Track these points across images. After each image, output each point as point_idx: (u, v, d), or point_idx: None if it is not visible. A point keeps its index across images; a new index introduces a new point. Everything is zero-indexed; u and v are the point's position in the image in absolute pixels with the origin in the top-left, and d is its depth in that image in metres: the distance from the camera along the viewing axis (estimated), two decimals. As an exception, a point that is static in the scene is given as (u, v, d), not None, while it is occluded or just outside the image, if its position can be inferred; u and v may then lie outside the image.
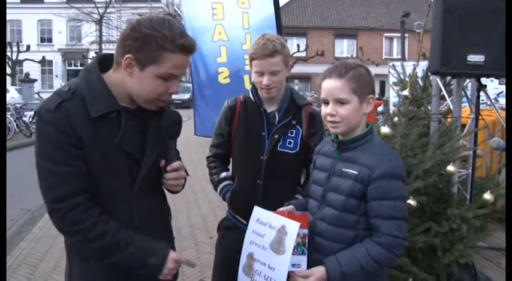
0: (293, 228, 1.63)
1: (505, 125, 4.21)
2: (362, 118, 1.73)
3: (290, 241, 1.62)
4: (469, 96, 3.81)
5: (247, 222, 1.90)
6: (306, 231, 1.69)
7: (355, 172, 1.67)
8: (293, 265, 1.64)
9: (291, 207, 1.85)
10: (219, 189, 2.43)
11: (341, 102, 1.69)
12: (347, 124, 1.70)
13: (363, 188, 1.66)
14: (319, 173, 1.83)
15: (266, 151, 2.26)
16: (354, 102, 1.69)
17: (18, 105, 16.67)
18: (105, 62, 1.61)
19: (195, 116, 4.44)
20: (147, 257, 1.56)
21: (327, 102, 1.73)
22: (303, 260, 1.67)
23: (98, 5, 30.70)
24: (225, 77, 4.02)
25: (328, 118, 1.72)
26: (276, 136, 2.26)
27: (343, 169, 1.71)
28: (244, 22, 4.00)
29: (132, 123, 1.59)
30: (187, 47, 1.52)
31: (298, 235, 1.63)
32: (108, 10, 31.34)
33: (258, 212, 1.80)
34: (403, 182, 1.69)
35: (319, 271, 1.65)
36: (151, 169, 1.64)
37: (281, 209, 1.81)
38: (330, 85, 1.71)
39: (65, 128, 1.47)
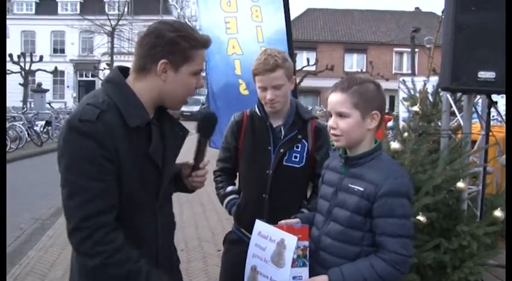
0: (292, 241, 1.66)
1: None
2: (366, 134, 1.74)
3: (289, 254, 1.65)
4: (480, 113, 3.80)
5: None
6: (306, 243, 1.72)
7: (361, 189, 1.68)
8: (294, 278, 1.67)
9: (296, 220, 1.86)
10: (225, 203, 2.45)
11: (342, 115, 1.72)
12: (347, 138, 1.73)
13: (369, 205, 1.67)
14: (326, 188, 1.84)
15: (272, 165, 2.28)
16: (355, 116, 1.71)
17: (29, 115, 16.87)
18: (124, 72, 1.65)
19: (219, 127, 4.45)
20: None
21: (331, 115, 1.77)
22: (305, 272, 1.70)
23: (110, 17, 31.10)
24: (245, 89, 4.02)
25: (331, 131, 1.77)
26: (281, 150, 2.27)
27: (350, 185, 1.72)
28: (259, 36, 4.01)
29: (158, 134, 1.63)
30: (208, 41, 1.64)
31: (298, 247, 1.67)
32: (120, 22, 31.74)
33: (259, 225, 1.84)
34: (408, 200, 1.70)
35: (322, 279, 1.67)
36: (168, 178, 1.70)
37: (284, 221, 1.83)
38: (333, 99, 1.75)
39: (105, 140, 1.45)
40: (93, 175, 1.44)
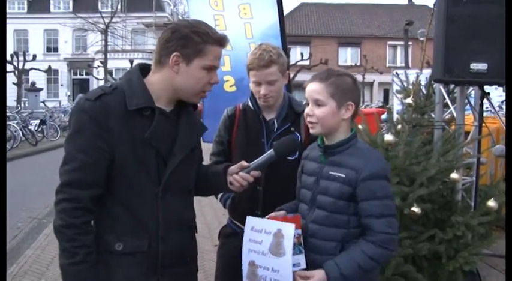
0: (289, 229, 1.70)
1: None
2: (340, 123, 1.82)
3: (288, 242, 1.69)
4: (473, 104, 3.82)
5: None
6: (299, 231, 1.77)
7: (343, 175, 1.76)
8: (293, 265, 1.70)
9: (282, 212, 1.91)
10: (219, 196, 2.47)
11: (318, 103, 1.80)
12: (322, 125, 1.80)
13: (351, 190, 1.75)
14: (307, 178, 1.91)
15: None
16: (330, 105, 1.79)
17: (24, 114, 16.80)
18: (146, 69, 1.76)
19: (204, 123, 4.47)
20: None
21: (307, 104, 1.86)
22: (302, 258, 1.75)
23: (103, 15, 30.92)
24: (231, 85, 4.06)
25: (307, 118, 1.84)
26: (275, 143, 2.29)
27: (331, 172, 1.80)
28: (247, 32, 4.06)
29: (165, 123, 1.70)
30: (223, 39, 1.71)
31: (293, 235, 1.70)
32: (113, 20, 31.53)
33: (251, 221, 1.85)
34: (388, 181, 1.79)
35: (319, 273, 1.72)
36: (179, 170, 1.72)
37: (274, 214, 1.88)
38: (311, 88, 1.83)
39: (98, 117, 1.58)
40: (81, 147, 1.59)
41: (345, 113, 1.81)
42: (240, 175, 1.82)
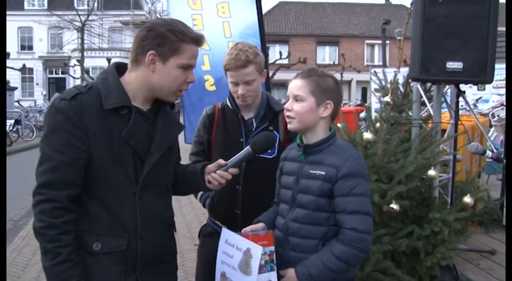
0: (257, 251, 1.72)
1: (483, 131, 4.31)
2: (319, 121, 1.84)
3: (255, 263, 1.71)
4: (449, 102, 3.89)
5: (227, 227, 1.94)
6: (272, 248, 1.78)
7: (323, 173, 1.77)
8: None
9: (261, 226, 1.91)
10: (199, 196, 2.46)
11: (297, 99, 1.83)
12: (300, 121, 1.82)
13: (331, 187, 1.76)
14: (287, 178, 1.92)
15: None
16: (309, 101, 1.81)
17: (-2, 114, 16.42)
18: (122, 68, 1.75)
19: (185, 124, 4.45)
20: None
21: (288, 99, 1.87)
22: (273, 275, 1.76)
23: (79, 13, 30.42)
24: (211, 85, 4.06)
25: (286, 113, 1.86)
26: (251, 139, 2.29)
27: (311, 171, 1.81)
28: (226, 31, 4.07)
29: (142, 122, 1.70)
30: (200, 38, 1.71)
31: (264, 253, 1.73)
32: (90, 18, 31.04)
33: (225, 233, 1.88)
34: (365, 179, 1.80)
35: (291, 272, 1.76)
36: (156, 168, 1.71)
37: (250, 228, 1.89)
38: (293, 84, 1.87)
39: (73, 116, 1.58)
40: (57, 147, 1.58)
41: (324, 112, 1.83)
42: (217, 173, 1.82)
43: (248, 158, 1.87)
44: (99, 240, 1.63)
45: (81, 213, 1.64)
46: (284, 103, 2.07)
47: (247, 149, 1.86)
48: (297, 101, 1.82)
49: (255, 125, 2.32)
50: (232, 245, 1.81)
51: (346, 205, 1.73)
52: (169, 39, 1.64)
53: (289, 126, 1.87)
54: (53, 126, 1.60)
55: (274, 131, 2.33)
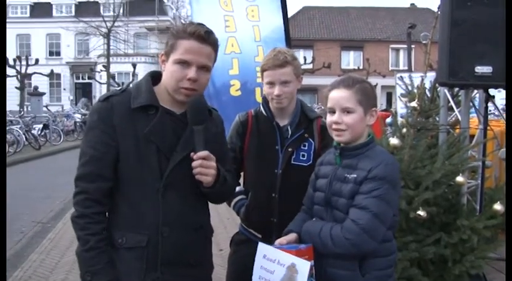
0: (304, 267, 1.68)
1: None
2: (365, 129, 1.84)
3: (302, 278, 1.67)
4: (477, 107, 3.81)
5: (262, 235, 1.93)
6: (312, 262, 1.75)
7: (355, 176, 1.77)
8: None
9: (294, 237, 1.88)
10: (232, 204, 2.43)
11: (347, 111, 1.80)
12: (351, 133, 1.81)
13: (359, 188, 1.75)
14: (321, 181, 1.92)
15: (280, 164, 2.29)
16: (359, 112, 1.80)
17: (27, 118, 16.83)
18: (155, 77, 1.84)
19: None
20: (86, 273, 1.68)
21: (333, 112, 1.84)
22: None
23: (105, 19, 31.01)
24: (237, 90, 3.98)
25: (334, 126, 1.83)
26: (289, 149, 2.29)
27: (345, 175, 1.80)
28: (256, 35, 4.00)
29: (170, 122, 1.76)
30: (196, 33, 1.71)
31: (308, 273, 1.68)
32: (115, 24, 31.62)
33: (263, 248, 1.84)
34: (391, 186, 1.75)
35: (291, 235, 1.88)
36: (181, 168, 1.73)
37: (283, 240, 1.85)
38: (338, 95, 1.82)
39: (104, 115, 1.71)
40: (90, 144, 1.72)
41: (370, 119, 1.84)
42: (193, 164, 1.71)
43: (200, 133, 1.72)
44: (124, 235, 1.70)
45: (111, 208, 1.74)
46: (319, 110, 2.05)
47: (193, 129, 1.73)
48: (347, 113, 1.80)
49: (290, 132, 2.31)
50: (273, 260, 1.77)
51: (361, 200, 1.72)
52: (169, 38, 1.76)
53: (338, 138, 1.84)
54: (89, 125, 1.76)
55: (310, 139, 2.32)
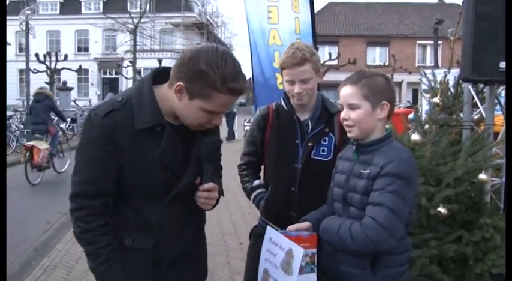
0: (298, 252, 1.74)
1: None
2: (377, 123, 1.82)
3: (296, 264, 1.73)
4: (503, 104, 3.74)
5: (281, 229, 1.96)
6: (314, 250, 1.80)
7: (368, 171, 1.77)
8: None
9: (306, 225, 1.91)
10: (252, 197, 2.46)
11: (352, 107, 1.81)
12: (359, 128, 1.81)
13: (372, 184, 1.75)
14: (339, 176, 1.92)
15: (300, 158, 2.30)
16: (365, 107, 1.79)
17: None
18: (161, 74, 1.70)
19: None
20: None
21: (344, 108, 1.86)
22: (312, 277, 1.79)
23: (132, 15, 31.41)
24: (280, 83, 3.84)
25: (343, 122, 1.85)
26: (309, 144, 2.29)
27: (361, 171, 1.80)
28: (296, 27, 3.94)
29: (176, 137, 1.68)
30: (236, 90, 1.58)
31: (306, 255, 1.75)
32: (142, 20, 32.02)
33: (270, 232, 1.92)
34: (405, 182, 1.73)
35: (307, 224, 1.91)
36: (190, 184, 1.73)
37: (295, 226, 1.90)
38: (344, 92, 1.84)
39: (106, 133, 1.60)
40: (89, 160, 1.64)
41: (381, 113, 1.81)
42: (198, 195, 1.74)
43: (208, 170, 1.74)
44: (131, 236, 1.71)
45: (116, 213, 1.70)
46: (338, 105, 2.07)
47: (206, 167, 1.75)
48: (352, 109, 1.81)
49: (310, 126, 2.31)
50: (276, 243, 1.84)
51: (376, 197, 1.72)
52: (202, 81, 1.53)
53: (349, 135, 1.86)
54: (87, 139, 1.65)
55: (330, 133, 2.32)
